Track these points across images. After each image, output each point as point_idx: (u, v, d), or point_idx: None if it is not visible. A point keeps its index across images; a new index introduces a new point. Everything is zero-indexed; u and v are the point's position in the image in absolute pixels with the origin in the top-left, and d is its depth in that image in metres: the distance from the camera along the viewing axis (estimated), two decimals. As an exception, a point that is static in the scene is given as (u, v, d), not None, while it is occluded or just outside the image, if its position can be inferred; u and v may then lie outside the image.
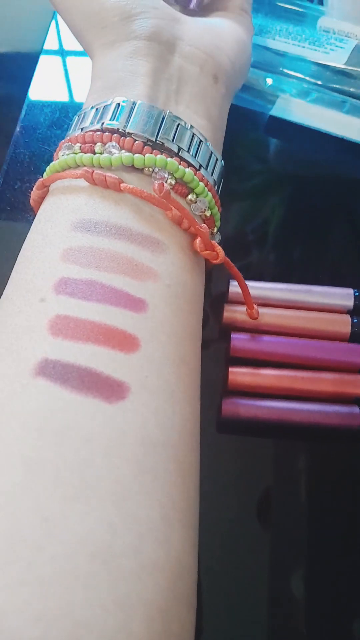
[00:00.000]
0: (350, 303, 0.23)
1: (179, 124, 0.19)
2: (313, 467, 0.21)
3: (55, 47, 0.34)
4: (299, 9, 0.32)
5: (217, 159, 0.21)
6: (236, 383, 0.22)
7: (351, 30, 0.31)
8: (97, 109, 0.20)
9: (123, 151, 0.18)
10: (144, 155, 0.18)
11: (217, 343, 0.23)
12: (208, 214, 0.20)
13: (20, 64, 0.34)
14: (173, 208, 0.18)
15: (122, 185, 0.18)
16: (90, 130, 0.19)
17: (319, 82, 0.31)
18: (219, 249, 0.19)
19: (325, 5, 0.33)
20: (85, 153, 0.19)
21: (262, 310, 0.23)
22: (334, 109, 0.30)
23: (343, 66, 0.30)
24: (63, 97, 0.32)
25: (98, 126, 0.19)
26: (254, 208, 0.29)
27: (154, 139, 0.19)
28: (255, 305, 0.22)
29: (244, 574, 0.20)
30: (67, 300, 0.16)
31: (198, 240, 0.19)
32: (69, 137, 0.20)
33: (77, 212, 0.18)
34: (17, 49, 0.35)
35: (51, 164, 0.20)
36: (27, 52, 0.34)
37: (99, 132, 0.19)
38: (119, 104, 0.19)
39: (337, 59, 0.30)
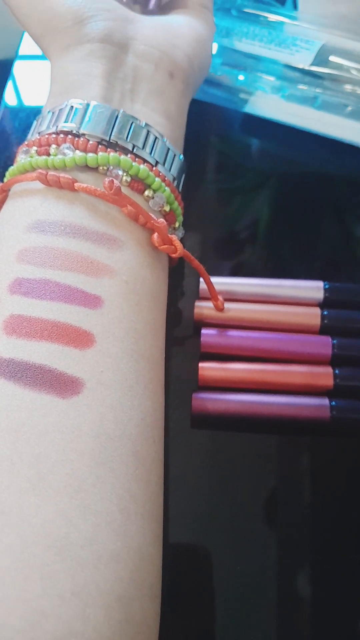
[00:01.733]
0: (320, 295, 0.23)
1: (133, 122, 0.19)
2: (285, 459, 0.22)
3: (30, 52, 0.35)
4: (266, 15, 0.32)
5: (174, 155, 0.21)
6: (207, 378, 0.22)
7: (317, 33, 0.31)
8: (52, 113, 0.20)
9: (77, 152, 0.19)
10: (97, 154, 0.18)
11: (189, 340, 0.24)
12: (167, 209, 0.20)
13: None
14: (128, 205, 0.18)
15: (75, 184, 0.18)
16: (46, 134, 0.19)
17: (286, 84, 0.31)
18: (177, 243, 0.19)
19: (297, 9, 0.34)
20: (40, 156, 0.19)
21: (232, 305, 0.23)
22: (306, 105, 0.30)
23: (308, 67, 0.30)
24: (38, 102, 0.32)
25: (54, 129, 0.19)
26: (239, 207, 0.29)
27: (107, 138, 0.19)
28: (220, 297, 0.22)
29: (222, 567, 0.20)
30: (21, 300, 0.16)
31: (155, 235, 0.19)
32: (26, 142, 0.20)
33: (32, 214, 0.18)
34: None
35: (10, 169, 0.20)
36: (2, 58, 0.35)
37: (54, 135, 0.19)
38: (73, 106, 0.19)
39: (303, 60, 0.30)
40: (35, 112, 0.32)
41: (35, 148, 0.19)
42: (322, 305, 0.23)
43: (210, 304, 0.23)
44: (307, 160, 0.30)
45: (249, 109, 0.31)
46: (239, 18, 0.32)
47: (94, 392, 0.15)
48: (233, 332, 0.23)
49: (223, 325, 0.23)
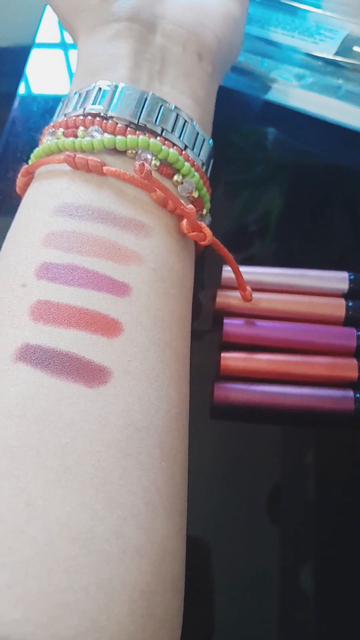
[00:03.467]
0: (345, 286, 0.23)
1: (162, 105, 0.19)
2: (307, 452, 0.21)
3: (47, 40, 0.34)
4: (290, 2, 0.32)
5: (204, 140, 0.20)
6: (228, 368, 0.21)
7: (341, 22, 0.31)
8: (80, 94, 0.20)
9: (105, 134, 0.18)
10: (126, 137, 0.18)
11: (210, 329, 0.23)
12: (196, 195, 0.20)
13: (12, 59, 0.34)
14: (157, 189, 0.17)
15: (104, 168, 0.18)
16: (73, 116, 0.19)
17: (308, 73, 0.31)
18: (207, 230, 0.19)
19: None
20: (67, 138, 0.19)
21: (256, 295, 0.23)
22: (329, 95, 0.30)
23: (332, 57, 0.29)
24: (56, 88, 0.32)
25: (81, 111, 0.19)
26: (253, 197, 0.28)
27: (136, 121, 0.18)
28: (248, 287, 0.22)
29: (236, 560, 0.19)
30: (48, 285, 0.16)
31: (184, 221, 0.18)
32: (52, 123, 0.20)
33: (59, 197, 0.18)
34: (9, 43, 0.36)
35: (35, 151, 0.20)
36: (18, 47, 0.34)
37: (81, 117, 0.19)
38: (101, 88, 0.19)
39: (327, 50, 0.30)
40: (52, 99, 0.31)
41: (62, 130, 0.19)
42: (347, 296, 0.23)
43: (232, 293, 0.23)
44: (323, 151, 0.30)
45: (270, 95, 0.30)
46: (262, 4, 0.32)
47: (121, 381, 0.15)
48: (256, 322, 0.22)
49: (245, 315, 0.23)
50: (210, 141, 0.21)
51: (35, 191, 0.19)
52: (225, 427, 0.22)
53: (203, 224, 0.19)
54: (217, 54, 0.22)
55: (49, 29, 0.35)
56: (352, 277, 0.23)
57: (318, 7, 0.31)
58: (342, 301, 0.23)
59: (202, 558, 0.19)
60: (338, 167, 0.29)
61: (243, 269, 0.23)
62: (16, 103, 0.31)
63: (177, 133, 0.19)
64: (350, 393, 0.21)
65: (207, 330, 0.23)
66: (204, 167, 0.21)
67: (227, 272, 0.23)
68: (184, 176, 0.19)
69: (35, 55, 0.34)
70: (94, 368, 0.15)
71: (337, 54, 0.29)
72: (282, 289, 0.23)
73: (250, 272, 0.23)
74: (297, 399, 0.21)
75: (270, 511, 0.20)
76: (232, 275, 0.23)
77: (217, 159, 0.25)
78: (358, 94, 0.29)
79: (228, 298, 0.23)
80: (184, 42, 0.21)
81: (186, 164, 0.19)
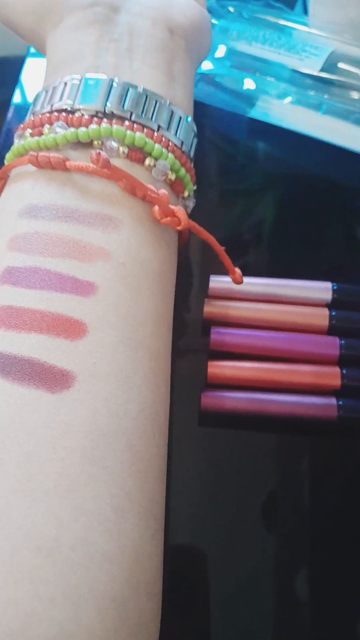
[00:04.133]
0: (328, 296, 0.24)
1: (129, 89, 0.18)
2: (292, 458, 0.22)
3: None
4: (277, 20, 0.33)
5: (180, 117, 0.19)
6: (215, 376, 0.22)
7: (327, 40, 0.31)
8: (47, 92, 0.19)
9: (70, 129, 0.18)
10: (87, 128, 0.17)
11: (196, 338, 0.24)
12: (173, 177, 0.19)
13: (6, 69, 0.34)
14: (124, 179, 0.17)
15: (67, 163, 0.17)
16: (40, 114, 0.19)
17: (294, 89, 0.31)
18: (181, 213, 0.18)
19: (308, 14, 0.34)
20: (33, 137, 0.18)
21: (241, 304, 0.23)
22: (313, 110, 0.30)
23: (317, 73, 0.30)
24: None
25: (48, 108, 0.19)
26: (245, 208, 0.29)
27: (102, 110, 0.18)
28: (237, 269, 0.21)
29: (225, 567, 0.20)
30: (10, 290, 0.16)
31: (156, 208, 0.18)
32: (22, 125, 0.19)
33: (24, 199, 0.17)
34: (4, 52, 0.36)
35: (6, 155, 0.19)
36: (12, 57, 0.35)
37: (47, 114, 0.18)
38: (66, 83, 0.18)
39: (312, 66, 0.30)
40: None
41: (29, 130, 0.19)
42: (330, 306, 0.24)
43: (220, 302, 0.23)
44: (311, 164, 0.30)
45: (255, 114, 0.31)
46: (249, 22, 0.33)
47: (85, 385, 0.15)
48: (242, 332, 0.23)
49: (232, 324, 0.23)
50: (189, 118, 0.20)
51: (4, 195, 0.19)
52: (212, 434, 0.22)
53: (176, 208, 0.18)
54: (188, 31, 0.21)
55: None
56: (335, 287, 0.24)
57: (304, 24, 0.32)
58: (326, 311, 0.23)
59: (191, 565, 0.20)
60: (325, 178, 0.30)
61: (228, 278, 0.24)
62: (10, 113, 0.31)
63: (148, 115, 0.18)
64: (334, 401, 0.22)
65: (195, 339, 0.24)
66: (184, 146, 0.20)
67: (214, 282, 0.24)
68: (155, 159, 0.18)
69: (30, 64, 0.34)
70: (57, 373, 0.14)
71: (322, 70, 0.30)
72: (267, 298, 0.24)
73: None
74: (282, 406, 0.22)
75: (258, 517, 0.21)
76: (220, 285, 0.24)
77: (206, 171, 0.26)
78: (340, 111, 0.30)
79: (215, 308, 0.23)
80: (153, 18, 0.20)
81: (156, 145, 0.18)
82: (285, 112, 0.30)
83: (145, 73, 0.19)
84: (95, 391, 0.15)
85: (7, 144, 0.30)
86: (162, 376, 0.17)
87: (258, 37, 0.32)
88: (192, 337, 0.24)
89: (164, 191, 0.18)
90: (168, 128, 0.19)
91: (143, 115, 0.18)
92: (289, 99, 0.30)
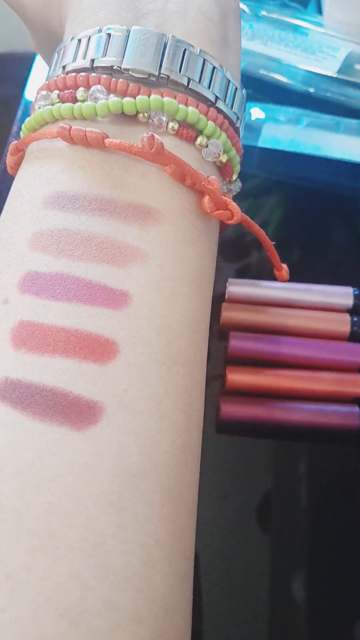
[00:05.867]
0: (349, 302, 0.23)
1: (185, 49, 0.15)
2: (313, 468, 0.21)
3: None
4: (293, 20, 0.32)
5: (236, 88, 0.17)
6: (234, 383, 0.21)
7: (343, 40, 0.31)
8: (79, 40, 0.16)
9: (112, 95, 0.15)
10: (135, 98, 0.15)
11: (215, 343, 0.23)
12: (224, 159, 0.16)
13: (17, 65, 0.34)
14: (172, 164, 0.14)
15: (106, 141, 0.14)
16: (73, 71, 0.15)
17: (311, 90, 0.31)
18: (234, 206, 0.15)
19: (322, 14, 0.34)
20: (64, 103, 0.15)
21: (259, 309, 0.23)
22: (329, 131, 0.29)
23: (335, 75, 0.30)
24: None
25: (84, 63, 0.15)
26: (252, 209, 0.28)
27: (156, 73, 0.15)
28: (284, 266, 0.19)
29: (244, 576, 0.19)
30: (32, 301, 0.13)
31: (206, 198, 0.15)
32: (46, 82, 0.16)
33: (51, 184, 0.15)
34: (14, 49, 0.35)
35: (26, 120, 0.16)
36: (23, 53, 0.34)
37: (82, 73, 0.15)
38: (110, 34, 0.15)
39: (329, 67, 0.30)
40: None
41: (57, 92, 0.15)
42: (352, 311, 0.23)
43: (238, 307, 0.23)
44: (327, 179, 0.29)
45: (265, 142, 0.29)
46: (265, 21, 0.32)
47: (114, 418, 0.13)
48: (261, 337, 0.22)
49: (250, 330, 0.23)
50: (244, 89, 0.17)
51: (25, 175, 0.16)
52: (230, 442, 0.22)
53: (229, 200, 0.16)
54: None
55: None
56: (356, 292, 0.23)
57: (319, 25, 0.31)
58: (347, 317, 0.23)
59: (212, 576, 0.19)
60: (344, 185, 0.29)
61: (247, 282, 0.23)
62: (20, 111, 0.31)
63: (205, 83, 0.15)
64: (356, 409, 0.21)
65: (211, 344, 0.23)
66: (238, 122, 0.17)
67: (232, 285, 0.23)
68: (208, 138, 0.16)
69: (40, 61, 0.33)
70: (83, 405, 0.13)
71: (339, 72, 0.30)
72: (287, 303, 0.23)
73: (254, 286, 0.23)
74: (303, 415, 0.21)
75: (276, 527, 0.20)
76: (238, 289, 0.23)
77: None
78: (357, 127, 0.29)
79: (234, 312, 0.23)
80: None
81: (209, 122, 0.15)
82: (301, 137, 0.28)
83: (202, 27, 0.16)
84: (125, 425, 0.13)
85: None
86: (197, 391, 0.15)
87: (274, 37, 0.32)
88: (208, 342, 0.23)
89: (214, 178, 0.15)
90: (225, 100, 0.16)
91: (201, 83, 0.15)
92: (301, 124, 0.29)
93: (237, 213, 0.15)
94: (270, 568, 0.19)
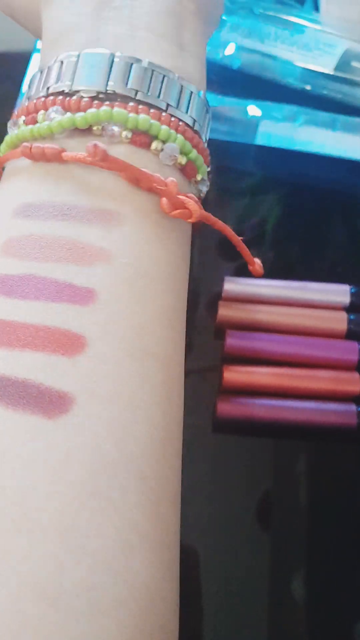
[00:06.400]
0: (346, 299, 0.23)
1: (132, 64, 0.16)
2: (310, 466, 0.21)
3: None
4: (289, 17, 0.32)
5: (191, 92, 0.17)
6: (231, 382, 0.21)
7: (340, 37, 0.31)
8: (41, 72, 0.17)
9: (67, 114, 0.16)
10: (84, 112, 0.16)
11: (212, 341, 0.23)
12: (183, 161, 0.17)
13: (13, 63, 0.34)
14: (125, 169, 0.15)
15: (63, 154, 0.16)
16: (35, 99, 0.17)
17: (308, 87, 0.31)
18: (192, 204, 0.16)
19: (319, 11, 0.33)
20: (27, 126, 0.17)
21: (256, 307, 0.23)
22: (326, 129, 0.29)
23: (332, 72, 0.29)
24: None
25: (43, 92, 0.17)
26: (249, 207, 0.28)
27: (104, 90, 0.16)
28: (257, 260, 0.19)
29: (243, 575, 0.19)
30: (3, 301, 0.14)
31: (164, 200, 0.16)
32: (15, 112, 0.18)
33: (18, 196, 0.16)
34: (10, 48, 0.35)
35: (0, 146, 0.18)
36: (19, 51, 0.34)
37: (42, 99, 0.17)
38: (62, 61, 0.17)
39: (326, 64, 0.30)
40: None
41: (23, 118, 0.17)
42: (349, 309, 0.23)
43: (234, 305, 0.23)
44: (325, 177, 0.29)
45: (262, 140, 0.28)
46: (261, 18, 0.32)
47: (86, 407, 0.13)
48: (258, 335, 0.22)
49: (246, 328, 0.23)
50: (201, 93, 0.18)
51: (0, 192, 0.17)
52: (227, 441, 0.21)
53: (186, 199, 0.16)
54: None
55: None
56: (353, 290, 0.23)
57: (315, 22, 0.31)
58: (344, 314, 0.23)
59: (201, 572, 0.19)
60: (342, 183, 0.29)
61: (243, 280, 0.23)
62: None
63: (154, 92, 0.16)
64: (353, 407, 0.21)
65: (207, 342, 0.23)
66: (196, 125, 0.18)
67: (228, 283, 0.23)
68: (163, 142, 0.16)
69: (36, 60, 0.33)
70: (54, 395, 0.13)
71: (336, 69, 0.30)
72: (283, 301, 0.23)
73: (250, 284, 0.23)
74: (300, 413, 0.21)
75: (272, 525, 0.20)
76: (235, 286, 0.23)
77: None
78: (355, 124, 0.29)
79: (230, 310, 0.23)
80: None
81: (162, 127, 0.16)
82: (298, 134, 0.28)
83: (151, 43, 0.17)
84: (97, 414, 0.13)
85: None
86: (174, 386, 0.15)
87: (270, 35, 0.31)
88: (203, 341, 0.23)
89: (172, 179, 0.16)
90: (178, 106, 0.17)
91: (149, 94, 0.16)
92: (298, 121, 0.29)
93: (195, 212, 0.16)
94: (266, 567, 0.19)
